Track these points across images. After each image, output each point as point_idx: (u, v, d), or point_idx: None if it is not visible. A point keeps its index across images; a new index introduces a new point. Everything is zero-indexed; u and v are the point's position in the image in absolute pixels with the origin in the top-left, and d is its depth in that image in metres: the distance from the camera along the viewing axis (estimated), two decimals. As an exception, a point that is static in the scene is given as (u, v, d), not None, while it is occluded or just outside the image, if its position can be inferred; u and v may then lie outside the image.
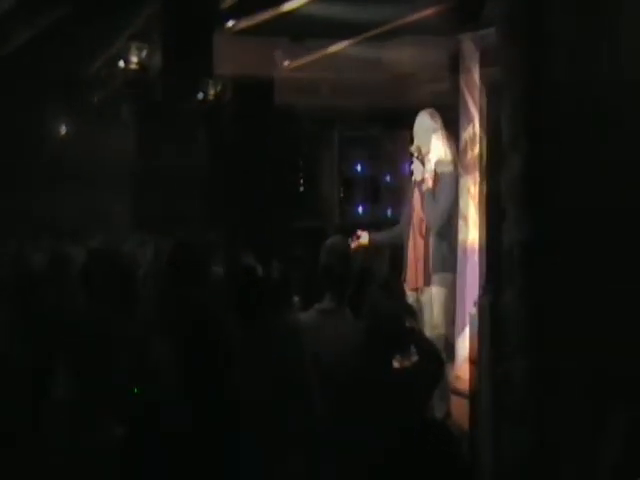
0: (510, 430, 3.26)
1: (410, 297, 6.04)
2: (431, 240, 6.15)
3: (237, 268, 5.00)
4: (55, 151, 8.78)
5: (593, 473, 2.26)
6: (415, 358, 4.28)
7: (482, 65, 6.48)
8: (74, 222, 7.88)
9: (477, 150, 6.62)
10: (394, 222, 8.83)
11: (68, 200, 8.54)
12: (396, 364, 4.23)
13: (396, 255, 6.59)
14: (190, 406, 3.43)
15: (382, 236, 6.65)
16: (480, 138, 6.44)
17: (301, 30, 7.57)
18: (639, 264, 3.03)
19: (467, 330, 5.60)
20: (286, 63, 8.03)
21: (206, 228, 5.07)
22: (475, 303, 5.14)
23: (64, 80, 8.58)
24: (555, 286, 3.14)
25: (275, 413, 3.90)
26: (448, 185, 6.19)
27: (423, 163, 6.22)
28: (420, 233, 6.24)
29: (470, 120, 7.02)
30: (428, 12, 5.80)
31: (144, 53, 7.52)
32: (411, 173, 6.49)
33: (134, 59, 7.71)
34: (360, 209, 9.35)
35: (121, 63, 7.78)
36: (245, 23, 7.01)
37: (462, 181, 6.48)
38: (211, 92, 7.89)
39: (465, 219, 6.72)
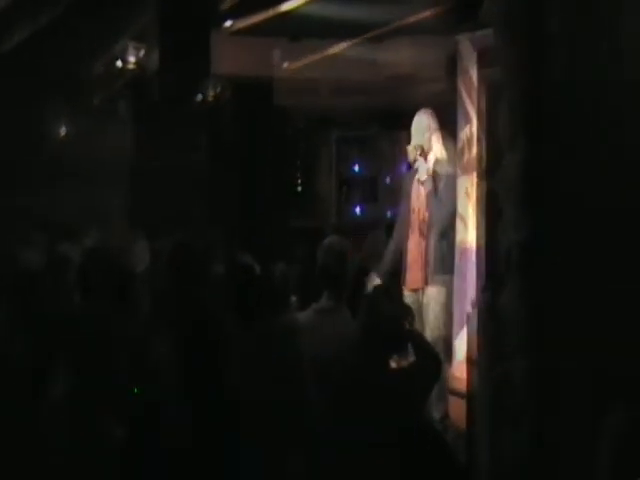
0: (508, 430, 3.26)
1: (410, 298, 6.03)
2: (433, 240, 6.14)
3: (235, 268, 5.00)
4: (53, 150, 8.77)
5: (592, 473, 2.27)
6: (412, 358, 4.28)
7: (480, 66, 6.48)
8: (72, 221, 7.87)
9: (475, 151, 6.62)
10: (391, 222, 8.86)
11: (66, 199, 8.53)
12: (393, 364, 4.23)
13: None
14: (190, 405, 3.43)
15: (386, 264, 6.45)
16: (478, 139, 6.43)
17: (299, 30, 7.57)
18: (636, 265, 3.03)
19: (465, 330, 5.60)
20: (284, 63, 8.03)
21: (204, 228, 5.06)
22: (473, 303, 5.14)
23: (62, 79, 8.57)
24: (553, 286, 3.15)
25: (274, 412, 3.90)
26: (450, 186, 6.20)
27: (426, 162, 6.21)
28: (421, 233, 6.21)
29: (468, 121, 7.02)
30: (426, 13, 5.81)
31: (142, 53, 7.52)
32: (408, 172, 6.48)
33: (132, 59, 7.71)
34: (358, 209, 9.35)
35: (119, 63, 7.78)
36: (243, 23, 7.01)
37: (460, 182, 6.47)
38: (209, 92, 7.89)
39: (463, 220, 6.72)
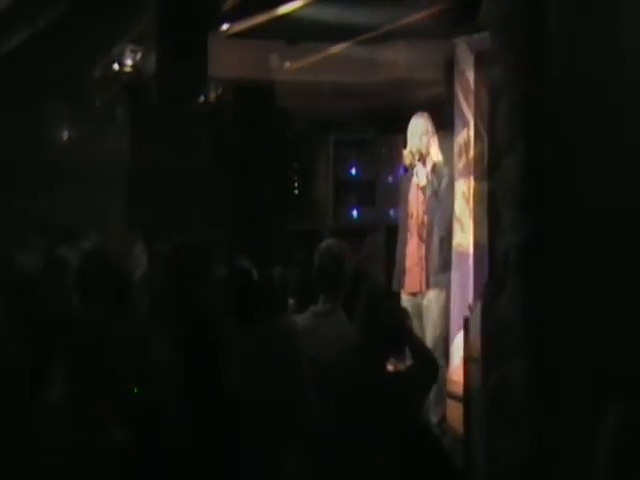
0: (506, 432, 3.26)
1: (408, 301, 6.02)
2: (434, 243, 6.13)
3: (233, 270, 5.00)
4: (51, 153, 8.76)
5: (591, 474, 2.27)
6: (410, 361, 4.28)
7: (477, 69, 6.48)
8: (71, 224, 7.87)
9: (472, 154, 6.62)
10: (389, 225, 8.87)
11: (64, 202, 8.52)
12: (391, 367, 4.24)
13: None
14: (189, 407, 3.43)
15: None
16: (475, 141, 6.44)
17: (297, 33, 7.58)
18: (636, 265, 3.04)
19: (462, 334, 5.60)
20: (282, 66, 8.03)
21: (202, 230, 5.06)
22: (470, 306, 5.14)
23: (60, 82, 8.57)
24: (551, 289, 3.15)
25: (273, 414, 3.90)
26: (450, 189, 6.21)
27: (425, 167, 6.19)
28: (420, 237, 6.19)
29: (465, 124, 7.03)
30: (423, 15, 5.81)
31: (139, 56, 7.52)
32: (405, 175, 6.47)
33: (129, 62, 7.72)
34: (355, 212, 9.34)
35: (116, 66, 7.78)
36: (241, 26, 7.01)
37: (457, 185, 6.48)
38: (206, 95, 7.90)
39: (460, 222, 6.72)
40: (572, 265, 3.12)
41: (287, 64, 7.98)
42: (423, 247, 6.16)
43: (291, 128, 9.24)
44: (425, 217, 6.18)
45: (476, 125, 6.43)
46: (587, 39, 3.04)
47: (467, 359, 5.06)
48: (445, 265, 6.17)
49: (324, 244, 4.78)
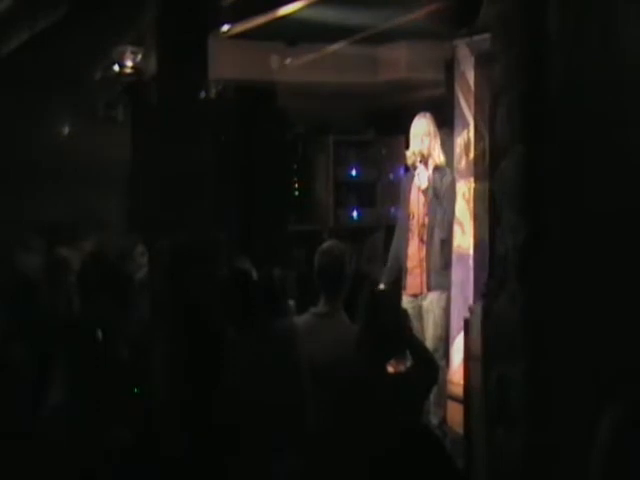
0: (506, 434, 3.27)
1: (410, 303, 6.00)
2: (435, 245, 6.10)
3: (233, 272, 5.00)
4: (51, 154, 8.76)
5: (588, 475, 2.27)
6: (410, 363, 4.28)
7: (477, 70, 6.48)
8: (72, 224, 7.87)
9: (472, 155, 6.62)
10: (389, 226, 8.86)
11: (65, 202, 8.52)
12: (391, 368, 4.24)
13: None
14: (188, 409, 3.43)
15: (390, 273, 6.35)
16: (476, 142, 6.43)
17: (297, 34, 7.58)
18: (637, 266, 3.03)
19: (462, 335, 5.60)
20: (281, 67, 8.03)
21: (202, 232, 5.06)
22: (470, 308, 5.14)
23: (60, 84, 8.57)
24: (550, 290, 3.15)
25: (272, 416, 3.90)
26: (451, 190, 6.17)
27: (427, 168, 6.16)
28: (421, 239, 6.15)
29: (465, 125, 7.03)
30: (423, 16, 5.80)
31: (139, 57, 7.53)
32: (406, 176, 6.45)
33: (129, 63, 7.72)
34: (355, 213, 9.34)
35: (116, 67, 7.78)
36: (241, 27, 7.01)
37: (457, 186, 6.47)
38: (206, 96, 7.90)
39: (460, 224, 6.72)
40: (572, 266, 3.12)
41: (287, 65, 7.98)
42: (424, 248, 6.13)
43: (291, 129, 9.23)
44: (426, 218, 6.14)
45: (477, 125, 6.43)
46: (587, 40, 3.04)
47: (467, 360, 5.06)
48: (446, 266, 6.15)
49: (324, 246, 4.79)
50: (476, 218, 6.30)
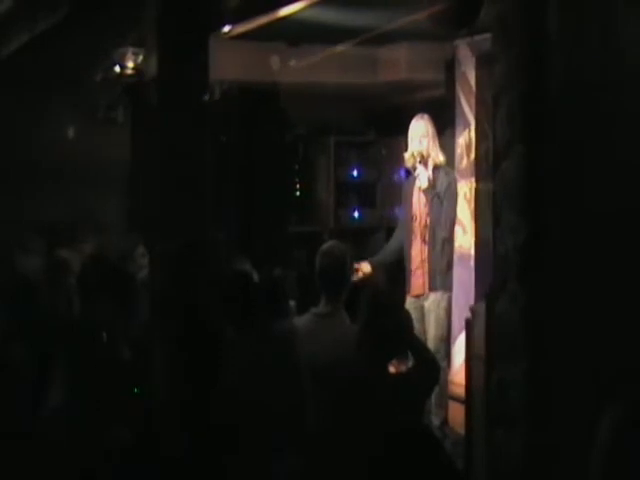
0: (506, 435, 3.26)
1: (413, 304, 5.98)
2: (438, 246, 6.07)
3: (234, 272, 5.00)
4: (52, 155, 8.77)
5: (588, 475, 2.27)
6: (411, 363, 4.28)
7: (478, 70, 6.48)
8: (72, 226, 7.87)
9: (473, 155, 6.62)
10: (389, 226, 8.86)
11: (65, 203, 8.53)
12: (392, 369, 4.24)
13: (394, 264, 6.50)
14: (188, 410, 3.43)
15: (383, 256, 6.49)
16: (478, 142, 6.43)
17: (298, 35, 7.58)
18: (637, 267, 3.03)
19: (463, 335, 5.60)
20: (282, 68, 8.03)
21: (203, 232, 5.07)
22: (471, 308, 5.14)
23: (62, 86, 8.58)
24: (551, 291, 3.14)
25: (272, 416, 3.90)
26: (452, 190, 6.14)
27: (426, 169, 6.13)
28: (423, 240, 6.13)
29: (466, 125, 7.04)
30: (424, 16, 5.79)
31: (140, 58, 7.52)
32: (407, 177, 6.44)
33: (130, 64, 7.72)
34: (356, 214, 9.35)
35: (117, 68, 7.79)
36: (242, 28, 7.01)
37: (458, 186, 6.46)
38: (206, 97, 7.89)
39: (462, 225, 6.72)
40: (573, 267, 3.11)
41: (288, 66, 7.98)
42: (426, 249, 6.12)
43: (292, 130, 9.24)
44: (428, 219, 6.13)
45: (480, 125, 6.42)
46: (587, 40, 3.03)
47: (469, 360, 5.06)
48: (447, 267, 6.12)
49: (325, 246, 4.79)
50: (477, 218, 6.29)
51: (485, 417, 4.53)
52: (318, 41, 7.75)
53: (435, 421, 5.92)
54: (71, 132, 8.98)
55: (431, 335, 5.97)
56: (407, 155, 6.19)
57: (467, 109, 7.09)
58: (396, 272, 6.42)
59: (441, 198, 6.06)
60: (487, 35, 3.83)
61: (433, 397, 5.76)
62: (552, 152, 3.14)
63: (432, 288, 6.06)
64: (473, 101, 6.67)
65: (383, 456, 2.51)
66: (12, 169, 8.65)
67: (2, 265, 5.40)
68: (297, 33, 7.46)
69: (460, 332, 6.16)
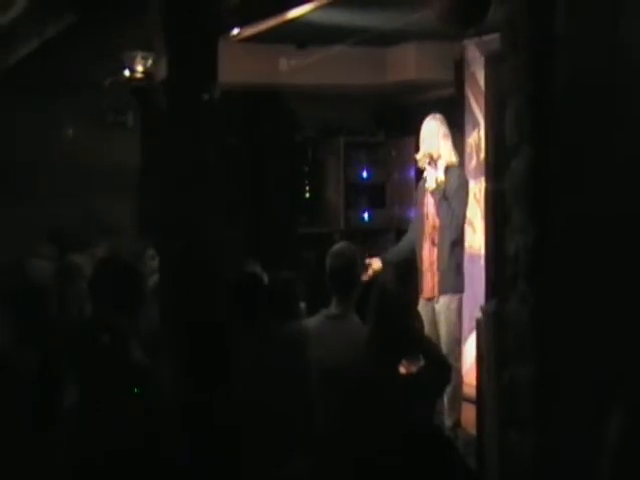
0: (515, 435, 3.26)
1: (424, 306, 5.94)
2: (446, 248, 6.00)
3: (244, 274, 5.01)
4: (60, 159, 8.80)
5: (595, 477, 2.27)
6: (422, 363, 4.28)
7: (487, 70, 6.47)
8: (81, 230, 7.90)
9: (483, 155, 6.61)
10: (399, 227, 8.86)
11: (74, 208, 8.55)
12: (403, 369, 4.24)
13: (406, 264, 6.48)
14: (196, 413, 3.44)
15: (394, 254, 6.48)
16: (486, 143, 6.42)
17: (306, 37, 7.59)
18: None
19: (474, 336, 5.59)
20: (291, 70, 8.04)
21: (213, 234, 5.08)
22: (482, 309, 5.13)
23: (72, 90, 8.60)
24: (561, 292, 3.14)
25: (282, 418, 3.90)
26: (461, 191, 6.07)
27: (435, 170, 6.07)
28: (432, 241, 6.07)
29: (475, 125, 7.04)
30: (431, 15, 5.78)
31: (149, 62, 7.54)
32: (418, 179, 6.42)
33: (139, 68, 7.74)
34: (365, 215, 9.35)
35: (126, 72, 7.81)
36: (250, 30, 7.03)
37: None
38: (215, 100, 7.90)
39: (471, 225, 6.72)
40: (582, 267, 3.11)
41: (297, 68, 7.99)
42: (435, 251, 6.09)
43: (301, 132, 9.25)
44: (437, 220, 6.10)
45: (486, 126, 6.40)
46: (595, 41, 3.03)
47: (479, 361, 5.06)
48: (457, 269, 6.05)
49: (336, 247, 4.79)
50: (487, 218, 6.28)
51: (495, 417, 4.53)
52: (326, 42, 7.76)
53: (447, 422, 5.90)
54: (80, 136, 9.00)
55: (443, 337, 5.93)
56: (419, 156, 6.16)
57: (476, 109, 7.10)
58: (408, 272, 6.39)
59: (449, 200, 5.99)
60: (496, 35, 3.83)
61: (445, 398, 5.75)
62: (561, 152, 3.14)
63: (442, 291, 6.01)
64: (482, 101, 6.66)
65: (393, 457, 2.51)
66: (23, 173, 8.68)
67: (15, 270, 5.42)
68: (305, 35, 7.47)
69: (471, 332, 6.15)
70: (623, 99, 2.99)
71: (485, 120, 6.49)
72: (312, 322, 4.61)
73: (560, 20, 3.10)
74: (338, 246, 4.83)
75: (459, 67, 7.49)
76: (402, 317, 4.14)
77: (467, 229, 6.44)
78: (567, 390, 3.08)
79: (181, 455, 3.20)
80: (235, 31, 6.94)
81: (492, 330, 4.70)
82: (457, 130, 6.94)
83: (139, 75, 7.73)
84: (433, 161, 6.05)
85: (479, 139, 6.89)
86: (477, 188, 6.70)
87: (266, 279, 5.19)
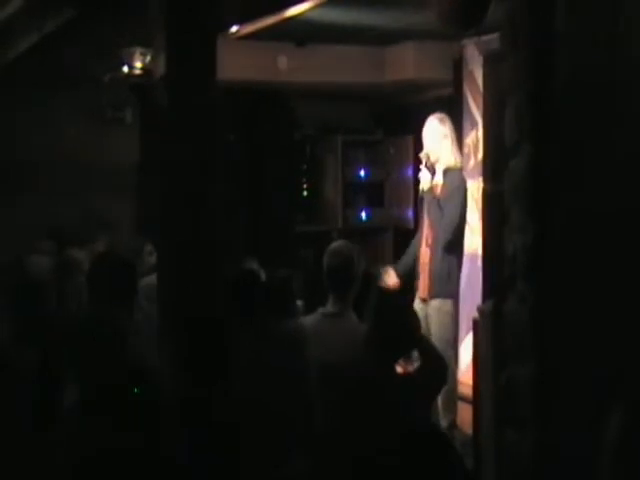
0: (513, 435, 3.26)
1: (420, 305, 5.92)
2: (438, 252, 5.91)
3: (241, 272, 5.01)
4: (59, 156, 8.79)
5: (595, 477, 2.27)
6: (418, 363, 4.28)
7: (486, 69, 6.47)
8: (80, 226, 7.89)
9: (480, 156, 6.60)
10: (397, 226, 8.86)
11: (72, 204, 8.55)
12: (399, 369, 4.24)
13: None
14: (194, 410, 3.43)
15: (405, 263, 6.28)
16: (484, 142, 6.41)
17: (305, 35, 7.58)
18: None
19: (471, 336, 5.59)
20: (290, 68, 8.04)
21: (210, 232, 5.08)
22: (479, 309, 5.13)
23: (70, 86, 8.59)
24: (560, 290, 3.14)
25: (279, 416, 3.90)
26: (457, 195, 5.99)
27: (430, 171, 6.00)
28: (426, 243, 6.01)
29: (473, 125, 7.04)
30: (431, 15, 5.78)
31: (148, 59, 7.53)
32: (417, 179, 6.40)
33: (138, 64, 7.73)
34: (363, 213, 9.35)
35: (125, 69, 7.80)
36: (249, 28, 7.02)
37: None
38: (214, 97, 7.89)
39: (469, 225, 6.71)
40: (582, 265, 3.11)
41: (295, 66, 7.99)
42: (429, 254, 6.04)
43: (299, 130, 9.24)
44: (429, 223, 6.06)
45: (485, 126, 6.40)
46: (595, 38, 3.03)
47: (476, 360, 5.06)
48: (449, 275, 5.93)
49: (333, 246, 4.79)
50: (484, 218, 6.27)
51: (491, 417, 4.53)
52: (325, 41, 7.76)
53: (443, 423, 5.88)
54: (79, 132, 8.99)
55: (434, 339, 5.89)
56: (422, 154, 6.11)
57: (474, 109, 7.09)
58: (407, 269, 6.36)
59: (441, 204, 5.90)
60: (494, 34, 3.83)
61: (440, 399, 5.73)
62: (560, 151, 3.14)
63: (432, 295, 5.92)
64: (480, 101, 6.66)
65: (392, 456, 2.51)
66: (21, 170, 8.66)
67: (14, 266, 5.42)
68: (305, 33, 7.47)
69: (467, 332, 6.14)
70: (623, 97, 2.99)
71: (483, 119, 6.49)
72: (309, 320, 4.62)
73: (560, 17, 3.09)
74: (336, 244, 4.83)
75: (458, 66, 7.49)
76: (400, 316, 4.14)
77: (465, 229, 6.42)
78: (567, 388, 3.07)
79: (180, 453, 3.20)
80: (234, 28, 6.94)
81: (489, 330, 4.70)
82: (455, 130, 6.93)
83: (137, 71, 7.73)
84: (429, 161, 6.01)
85: (477, 139, 6.89)
86: (475, 188, 6.69)
87: (264, 277, 5.19)
